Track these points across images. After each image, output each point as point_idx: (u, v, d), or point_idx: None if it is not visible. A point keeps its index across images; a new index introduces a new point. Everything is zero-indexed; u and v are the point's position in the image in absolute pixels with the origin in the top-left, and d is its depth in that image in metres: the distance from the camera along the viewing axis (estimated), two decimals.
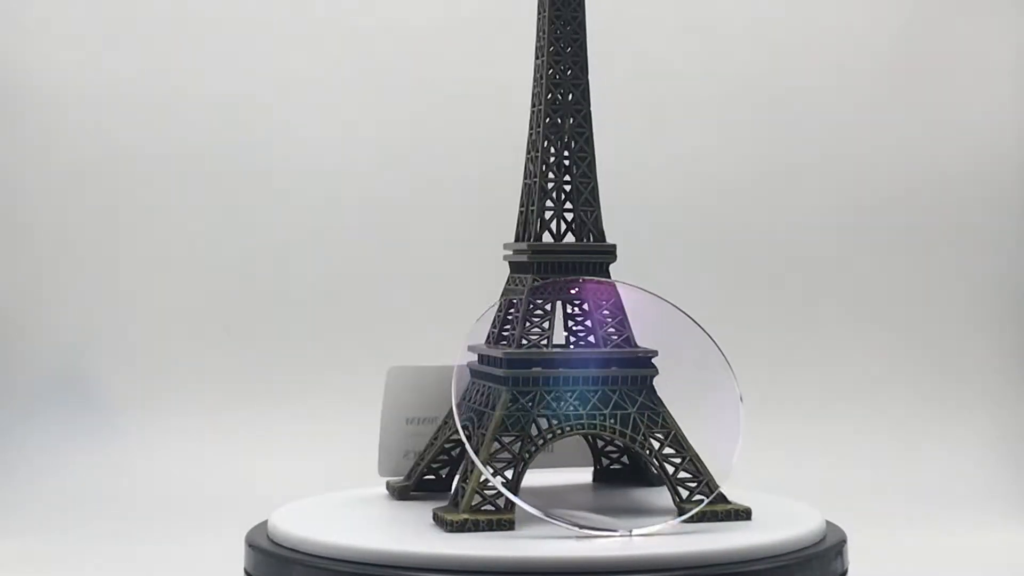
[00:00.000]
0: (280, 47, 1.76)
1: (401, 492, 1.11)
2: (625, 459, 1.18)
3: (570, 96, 1.08)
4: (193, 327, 1.72)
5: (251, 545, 1.01)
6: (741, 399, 1.05)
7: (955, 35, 1.76)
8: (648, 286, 1.10)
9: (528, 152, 1.09)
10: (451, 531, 0.95)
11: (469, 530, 0.95)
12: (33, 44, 1.73)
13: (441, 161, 1.75)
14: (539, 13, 1.09)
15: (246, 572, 1.01)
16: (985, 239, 1.75)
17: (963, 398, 1.70)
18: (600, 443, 1.18)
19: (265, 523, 1.04)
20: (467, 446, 0.98)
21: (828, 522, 1.04)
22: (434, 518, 0.99)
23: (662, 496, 1.06)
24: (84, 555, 1.37)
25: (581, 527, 0.96)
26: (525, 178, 1.10)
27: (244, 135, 1.75)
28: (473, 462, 0.97)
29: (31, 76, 1.73)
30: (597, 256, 1.07)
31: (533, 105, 1.09)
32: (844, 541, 1.01)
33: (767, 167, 1.76)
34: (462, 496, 0.97)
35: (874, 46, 1.77)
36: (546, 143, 1.07)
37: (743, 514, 1.02)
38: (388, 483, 1.14)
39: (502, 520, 0.96)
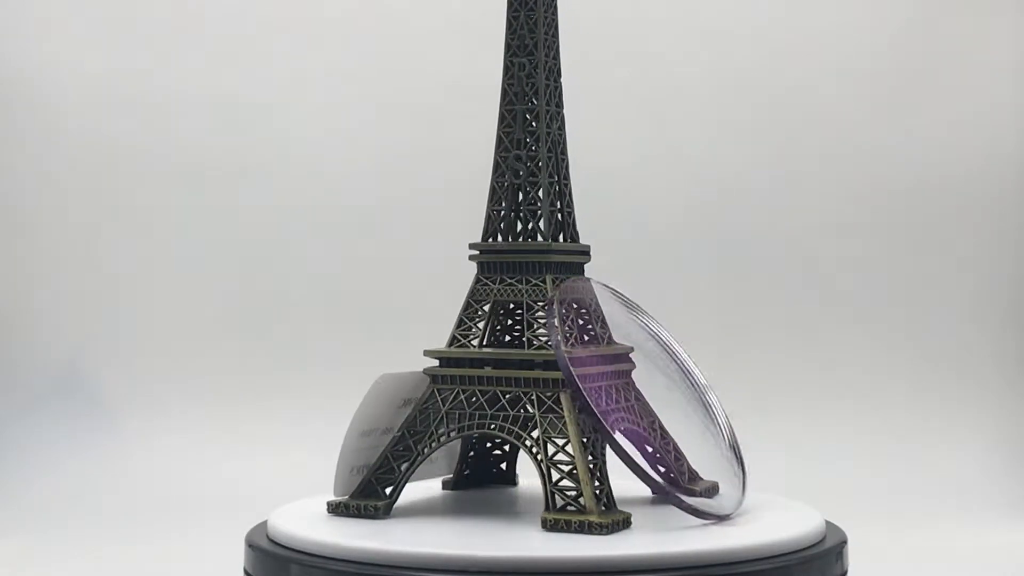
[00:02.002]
0: (277, 48, 1.76)
1: (385, 510, 1.03)
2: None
3: (552, 101, 1.08)
4: (193, 327, 1.72)
5: (251, 545, 1.01)
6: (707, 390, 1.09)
7: (955, 35, 1.76)
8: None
9: (502, 152, 1.09)
10: (608, 533, 0.94)
11: (618, 530, 0.95)
12: (32, 44, 1.73)
13: (424, 163, 1.75)
14: (513, 15, 1.09)
15: (246, 572, 1.01)
16: (985, 239, 1.75)
17: (963, 398, 1.70)
18: (479, 447, 1.15)
19: (265, 523, 1.04)
20: (628, 453, 0.96)
21: (828, 522, 1.04)
22: (555, 525, 0.96)
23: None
24: (84, 554, 1.37)
25: (713, 515, 0.99)
26: (499, 179, 1.09)
27: (243, 136, 1.75)
28: (633, 464, 0.97)
29: (31, 76, 1.73)
30: (584, 257, 1.10)
31: (509, 105, 1.08)
32: (844, 541, 1.01)
33: (767, 167, 1.76)
34: (576, 499, 0.96)
35: (874, 46, 1.77)
36: (540, 148, 1.07)
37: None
38: (338, 504, 1.04)
39: (627, 519, 0.97)
